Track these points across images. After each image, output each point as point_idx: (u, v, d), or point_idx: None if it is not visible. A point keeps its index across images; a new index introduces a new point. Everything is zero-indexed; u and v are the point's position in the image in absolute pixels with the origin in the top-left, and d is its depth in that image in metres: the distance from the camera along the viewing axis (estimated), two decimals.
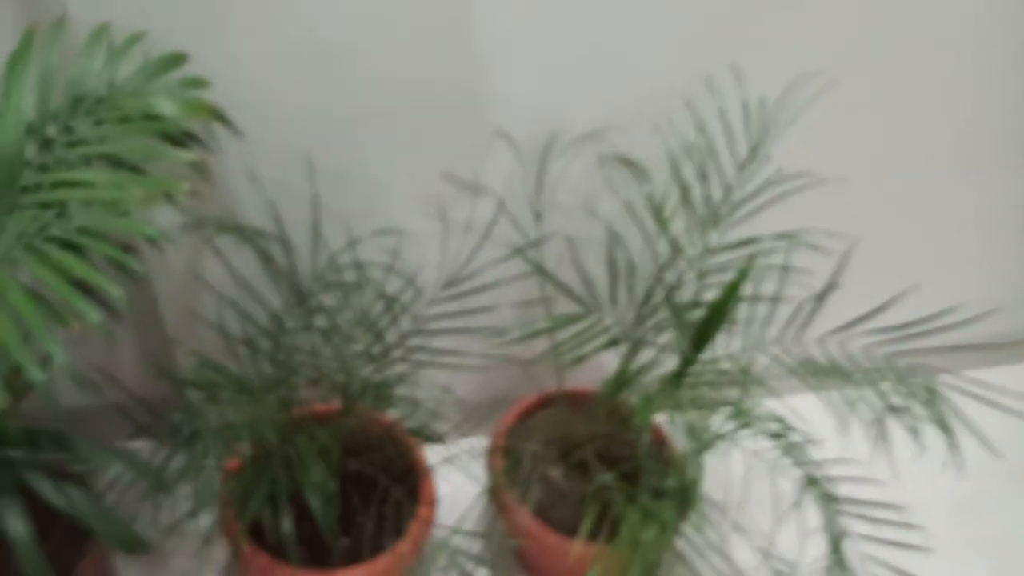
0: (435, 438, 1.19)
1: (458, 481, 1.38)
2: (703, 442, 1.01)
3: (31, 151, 0.96)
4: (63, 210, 0.92)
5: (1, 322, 0.81)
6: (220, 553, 1.44)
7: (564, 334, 1.22)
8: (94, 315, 0.82)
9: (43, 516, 1.05)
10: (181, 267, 1.25)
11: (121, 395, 1.23)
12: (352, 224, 1.22)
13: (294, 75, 1.11)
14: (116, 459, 1.04)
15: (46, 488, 0.99)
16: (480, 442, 1.39)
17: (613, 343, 1.21)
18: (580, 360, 1.20)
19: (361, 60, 1.12)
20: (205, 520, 1.33)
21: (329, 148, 1.18)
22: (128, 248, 0.93)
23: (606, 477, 1.17)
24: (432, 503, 1.29)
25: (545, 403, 1.46)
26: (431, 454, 1.32)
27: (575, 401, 1.43)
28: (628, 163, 1.26)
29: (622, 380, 1.19)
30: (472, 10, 1.11)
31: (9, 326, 0.81)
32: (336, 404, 1.25)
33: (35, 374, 0.81)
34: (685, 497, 1.09)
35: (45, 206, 0.93)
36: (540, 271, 1.29)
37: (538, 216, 1.27)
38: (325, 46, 1.09)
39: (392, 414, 1.23)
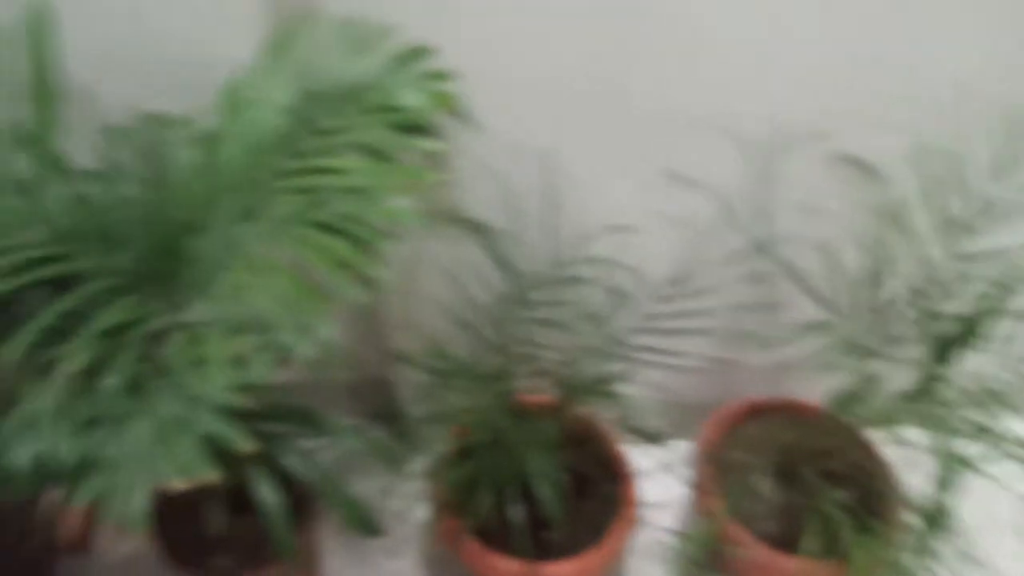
0: (653, 438, 1.18)
1: (662, 483, 1.36)
2: (954, 465, 0.95)
3: (290, 138, 1.01)
4: (318, 196, 0.97)
5: (271, 300, 0.87)
6: (416, 532, 1.49)
7: (799, 342, 1.18)
8: (359, 294, 0.86)
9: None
10: (408, 254, 1.29)
11: (353, 375, 1.28)
12: (579, 220, 1.23)
13: (532, 69, 1.12)
14: (359, 437, 1.08)
15: (295, 462, 1.05)
16: (684, 446, 1.37)
17: (851, 353, 1.15)
18: (821, 368, 1.14)
19: (593, 60, 1.11)
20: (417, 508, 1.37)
21: (559, 144, 1.19)
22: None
23: (834, 493, 1.12)
24: (636, 503, 1.29)
25: (754, 411, 1.42)
26: (636, 453, 1.32)
27: (788, 412, 1.38)
28: (860, 165, 1.20)
29: (854, 394, 1.13)
30: (699, 11, 1.09)
31: (276, 307, 0.87)
32: (550, 396, 1.26)
33: (305, 348, 0.85)
34: (932, 522, 1.03)
35: (302, 191, 0.99)
36: (788, 271, 1.23)
37: (764, 216, 1.23)
38: (567, 41, 1.09)
39: (603, 410, 1.23)
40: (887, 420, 1.07)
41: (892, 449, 1.26)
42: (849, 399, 1.14)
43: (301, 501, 1.19)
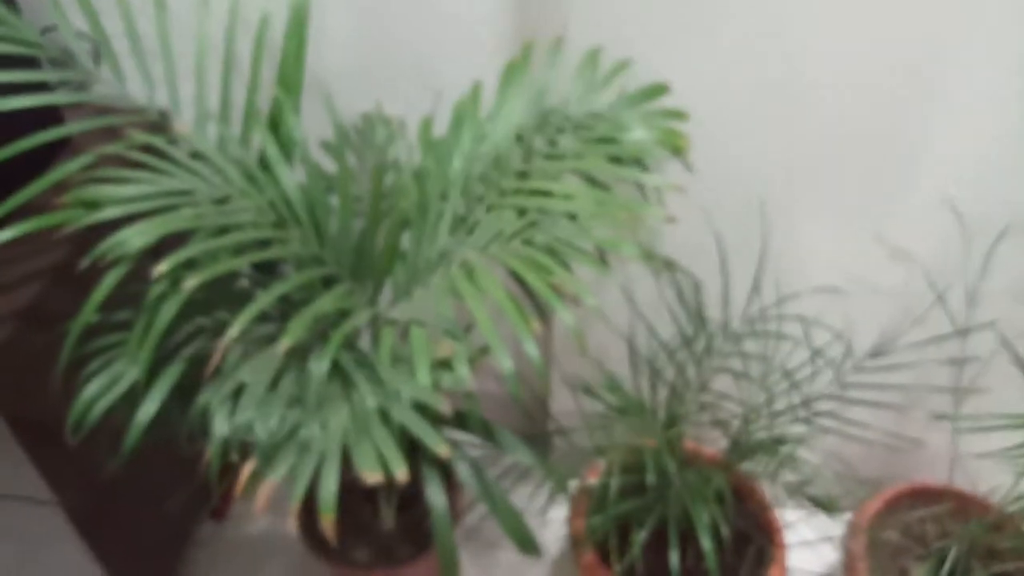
0: (821, 506, 1.14)
1: (816, 552, 1.33)
2: None
3: (516, 158, 1.03)
4: (536, 216, 0.98)
5: (481, 312, 0.88)
6: (547, 561, 1.48)
7: (994, 436, 1.13)
8: (568, 317, 0.86)
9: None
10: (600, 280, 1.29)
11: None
12: (784, 275, 1.21)
13: (758, 119, 1.11)
14: (531, 455, 1.08)
15: (464, 471, 1.05)
16: (846, 518, 1.33)
17: None
18: (1008, 465, 1.09)
19: (824, 113, 1.10)
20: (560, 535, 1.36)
21: (772, 195, 1.18)
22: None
23: None
24: (784, 569, 1.25)
25: (920, 495, 1.36)
26: (795, 518, 1.28)
27: (956, 502, 1.32)
28: None
29: None
30: (952, 84, 1.06)
31: (487, 316, 0.88)
32: (717, 449, 1.24)
33: (506, 364, 0.86)
34: None
35: (521, 211, 1.00)
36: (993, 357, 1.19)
37: (972, 299, 1.18)
38: (796, 94, 1.08)
39: (771, 470, 1.20)
40: None
41: None
42: None
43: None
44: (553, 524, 1.50)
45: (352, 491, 1.36)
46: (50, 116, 1.17)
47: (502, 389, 1.41)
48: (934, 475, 1.29)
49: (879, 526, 1.31)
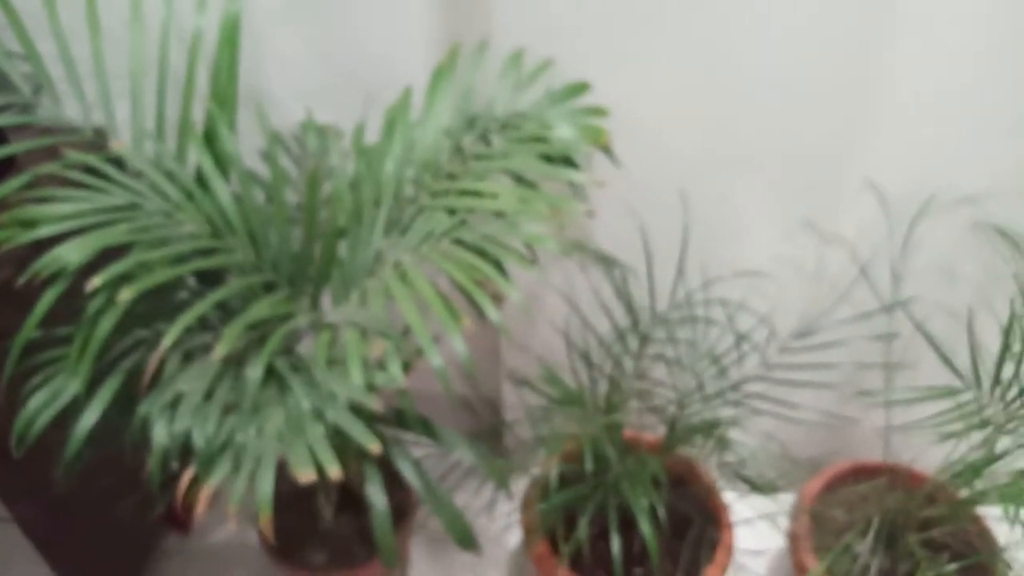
0: (759, 487, 1.17)
1: (760, 532, 1.35)
2: None
3: (445, 160, 1.06)
4: (464, 216, 1.01)
5: (412, 313, 0.91)
6: (503, 554, 1.51)
7: (923, 407, 1.16)
8: (494, 314, 0.89)
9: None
10: (533, 277, 1.32)
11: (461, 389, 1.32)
12: (709, 261, 1.24)
13: (681, 113, 1.15)
14: (472, 451, 1.11)
15: (407, 468, 1.08)
16: (788, 498, 1.37)
17: (983, 426, 1.13)
18: (947, 438, 1.12)
19: (747, 105, 1.13)
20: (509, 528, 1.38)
21: (696, 186, 1.21)
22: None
23: (938, 562, 1.10)
24: (732, 549, 1.28)
25: (860, 472, 1.40)
26: (737, 500, 1.31)
27: (895, 476, 1.36)
28: (1005, 234, 1.18)
29: (974, 467, 1.11)
30: (875, 71, 1.10)
31: (417, 316, 0.91)
32: (656, 435, 1.27)
33: (436, 361, 0.89)
34: None
35: (449, 210, 1.03)
36: (919, 332, 1.22)
37: (897, 277, 1.22)
38: (718, 88, 1.12)
39: (709, 454, 1.24)
40: (1006, 498, 1.04)
41: (1004, 527, 1.23)
42: (967, 471, 1.12)
43: (398, 507, 1.22)
44: (507, 515, 1.53)
45: (306, 496, 1.38)
46: None
47: (456, 387, 1.45)
48: (871, 451, 1.33)
49: (823, 504, 1.34)
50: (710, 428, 1.13)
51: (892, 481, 1.34)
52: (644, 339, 1.17)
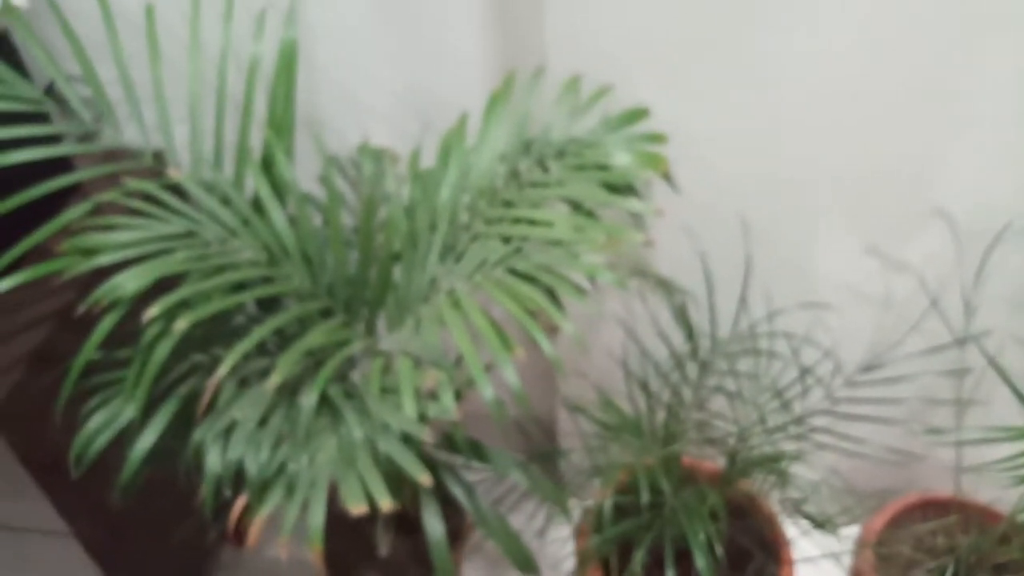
0: (820, 523, 1.13)
1: (821, 568, 1.31)
2: None
3: (501, 186, 1.05)
4: (519, 244, 1.00)
5: (464, 341, 0.90)
6: None
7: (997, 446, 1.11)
8: (548, 347, 0.87)
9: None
10: (591, 303, 1.30)
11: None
12: (771, 288, 1.21)
13: (741, 136, 1.12)
14: (528, 476, 1.09)
15: (460, 493, 1.07)
16: (850, 533, 1.32)
17: None
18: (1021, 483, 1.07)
19: (810, 126, 1.10)
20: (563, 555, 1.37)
21: (758, 212, 1.18)
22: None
23: None
24: None
25: (927, 508, 1.35)
26: (798, 534, 1.27)
27: (965, 513, 1.30)
28: None
29: None
30: (948, 89, 1.05)
31: (470, 345, 0.90)
32: (715, 465, 1.24)
33: (488, 393, 0.88)
34: None
35: (504, 238, 1.02)
36: (993, 367, 1.17)
37: (969, 308, 1.17)
38: (780, 109, 1.09)
39: (770, 487, 1.20)
40: None
41: None
42: None
43: (452, 530, 1.21)
44: (562, 541, 1.51)
45: (361, 519, 1.39)
46: (60, 165, 1.22)
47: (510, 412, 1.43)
48: (939, 486, 1.27)
49: (888, 540, 1.30)
50: (772, 462, 1.10)
51: (963, 518, 1.29)
52: (704, 367, 1.14)
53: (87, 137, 1.11)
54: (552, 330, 0.91)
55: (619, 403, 1.22)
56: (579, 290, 0.90)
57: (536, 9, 1.08)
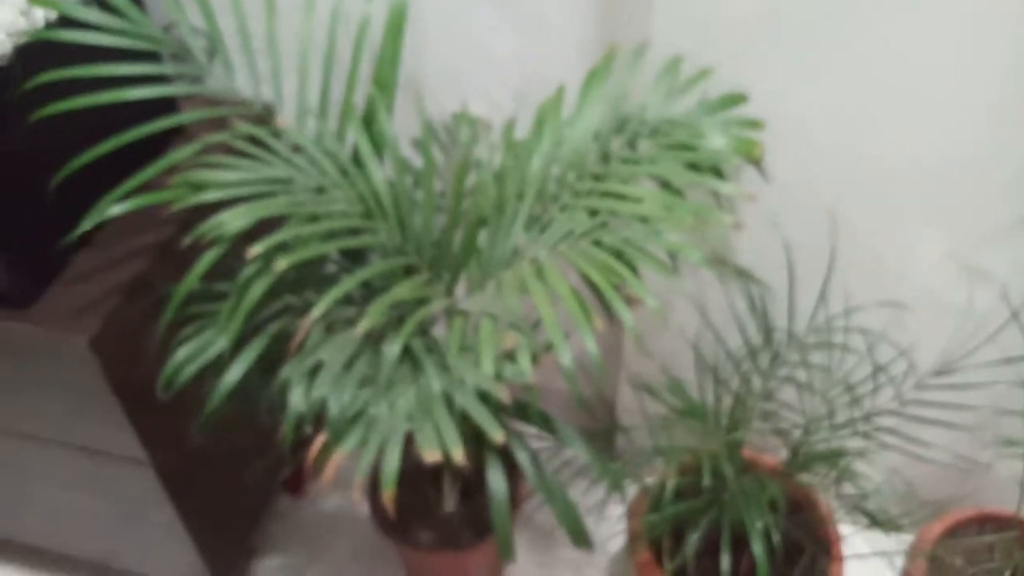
0: (886, 525, 1.13)
1: (873, 569, 1.31)
2: None
3: (592, 161, 1.07)
4: (606, 218, 1.02)
5: (546, 308, 0.92)
6: (605, 558, 1.51)
7: None
8: (628, 318, 0.89)
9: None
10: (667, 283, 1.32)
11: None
12: (851, 285, 1.21)
13: (838, 129, 1.12)
14: (588, 451, 1.11)
15: (524, 459, 1.10)
16: (906, 538, 1.32)
17: None
18: None
19: (904, 121, 1.10)
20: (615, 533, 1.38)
21: (846, 207, 1.18)
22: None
23: None
24: None
25: (985, 521, 1.34)
26: (852, 533, 1.28)
27: (1020, 529, 1.29)
28: None
29: None
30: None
31: (551, 312, 0.92)
32: (775, 458, 1.25)
33: (566, 359, 0.90)
34: None
35: (592, 212, 1.04)
36: None
37: None
38: (880, 104, 1.09)
39: (829, 483, 1.20)
40: None
41: None
42: None
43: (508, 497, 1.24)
44: (614, 520, 1.53)
45: (420, 476, 1.42)
46: (167, 106, 1.27)
47: (568, 386, 1.46)
48: (1001, 501, 1.27)
49: (943, 549, 1.29)
50: (835, 457, 1.11)
51: (1023, 535, 1.28)
52: (776, 359, 1.15)
53: (197, 80, 1.16)
54: (632, 304, 0.93)
55: (685, 386, 1.24)
56: (665, 266, 0.92)
57: None
